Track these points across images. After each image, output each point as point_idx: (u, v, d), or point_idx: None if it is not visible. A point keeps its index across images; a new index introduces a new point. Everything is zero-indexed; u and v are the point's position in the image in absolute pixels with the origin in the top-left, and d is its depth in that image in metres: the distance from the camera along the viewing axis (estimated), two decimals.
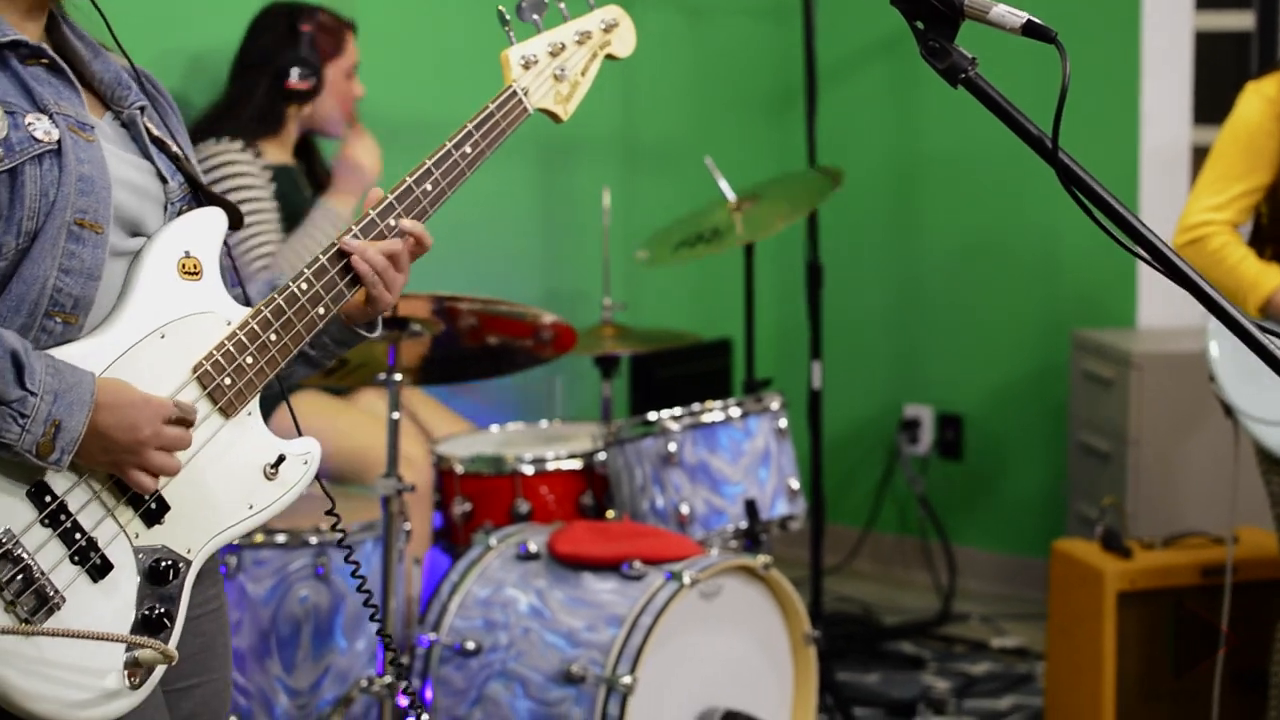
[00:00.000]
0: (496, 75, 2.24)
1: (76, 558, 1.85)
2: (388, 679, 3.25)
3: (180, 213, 2.02)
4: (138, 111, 2.03)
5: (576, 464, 3.95)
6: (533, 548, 3.51)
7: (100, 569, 1.87)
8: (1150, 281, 5.05)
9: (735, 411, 3.85)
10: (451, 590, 3.51)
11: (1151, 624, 3.85)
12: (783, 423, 3.92)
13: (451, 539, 3.93)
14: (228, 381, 1.97)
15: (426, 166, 2.14)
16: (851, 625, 5.07)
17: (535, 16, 2.28)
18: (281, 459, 2.03)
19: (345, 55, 4.06)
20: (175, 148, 2.05)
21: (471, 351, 3.65)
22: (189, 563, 1.95)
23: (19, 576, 1.80)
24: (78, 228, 1.88)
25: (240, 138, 3.93)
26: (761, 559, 3.47)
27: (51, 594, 1.82)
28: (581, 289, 4.91)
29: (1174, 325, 4.99)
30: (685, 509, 3.77)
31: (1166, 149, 5.04)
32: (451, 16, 4.71)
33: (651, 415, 3.83)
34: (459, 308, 3.43)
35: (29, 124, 1.87)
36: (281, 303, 2.02)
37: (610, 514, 3.90)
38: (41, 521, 1.83)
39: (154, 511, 1.92)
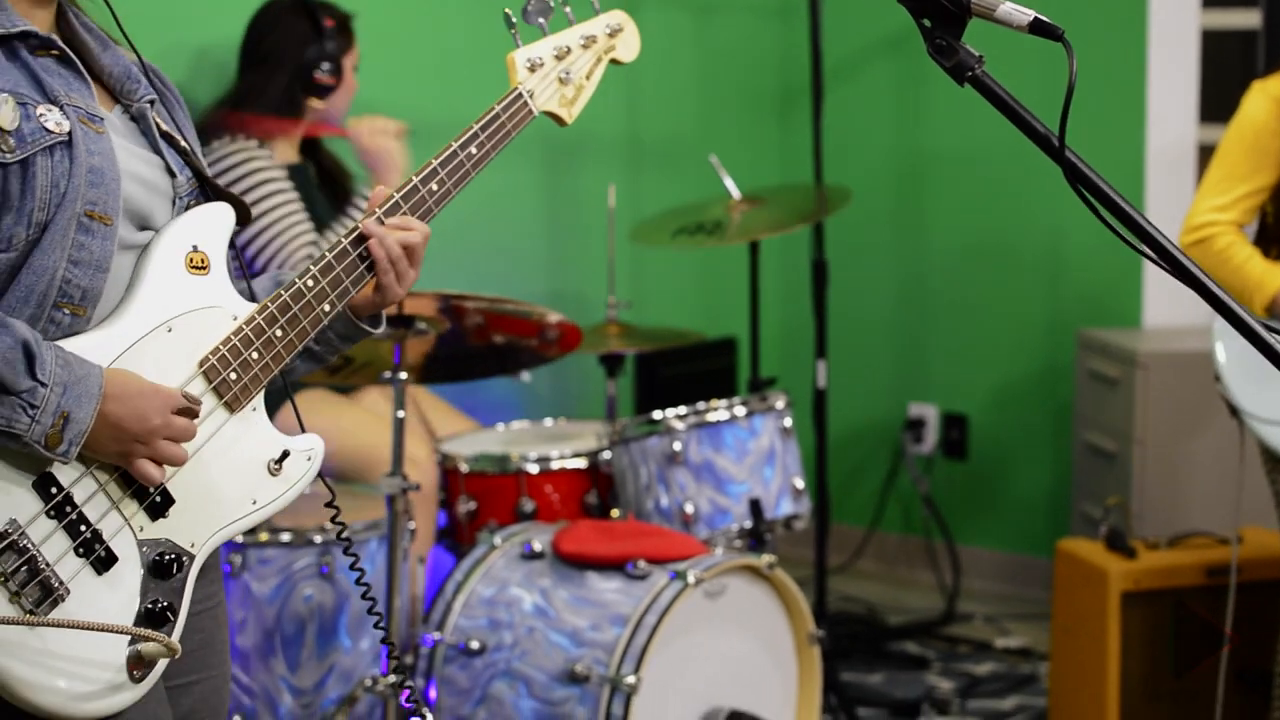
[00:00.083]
0: (499, 76, 2.25)
1: (81, 550, 1.85)
2: (392, 678, 3.25)
3: (188, 207, 2.03)
4: (147, 105, 2.03)
5: (581, 463, 3.95)
6: (537, 547, 3.51)
7: (105, 561, 1.87)
8: (1156, 281, 5.05)
9: (740, 410, 3.85)
10: (456, 589, 3.50)
11: (1156, 624, 3.84)
12: (788, 422, 3.91)
13: (456, 538, 3.93)
14: (233, 376, 1.98)
15: (433, 166, 2.16)
16: (856, 625, 5.07)
17: (541, 20, 2.29)
18: (286, 454, 2.03)
19: (354, 49, 4.09)
20: (184, 142, 2.06)
21: (477, 350, 3.65)
22: (192, 557, 1.95)
23: (24, 567, 1.80)
24: (87, 219, 1.88)
25: (254, 136, 3.94)
26: (766, 558, 3.46)
27: (56, 585, 1.82)
28: (586, 288, 4.91)
29: (1179, 325, 4.98)
30: (690, 508, 3.77)
31: (1172, 148, 5.03)
32: (452, 16, 4.71)
33: (656, 414, 3.83)
34: (465, 306, 3.43)
35: (40, 115, 1.88)
36: (288, 298, 2.03)
37: (615, 513, 3.90)
38: (47, 513, 1.83)
39: (159, 505, 1.92)
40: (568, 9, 2.33)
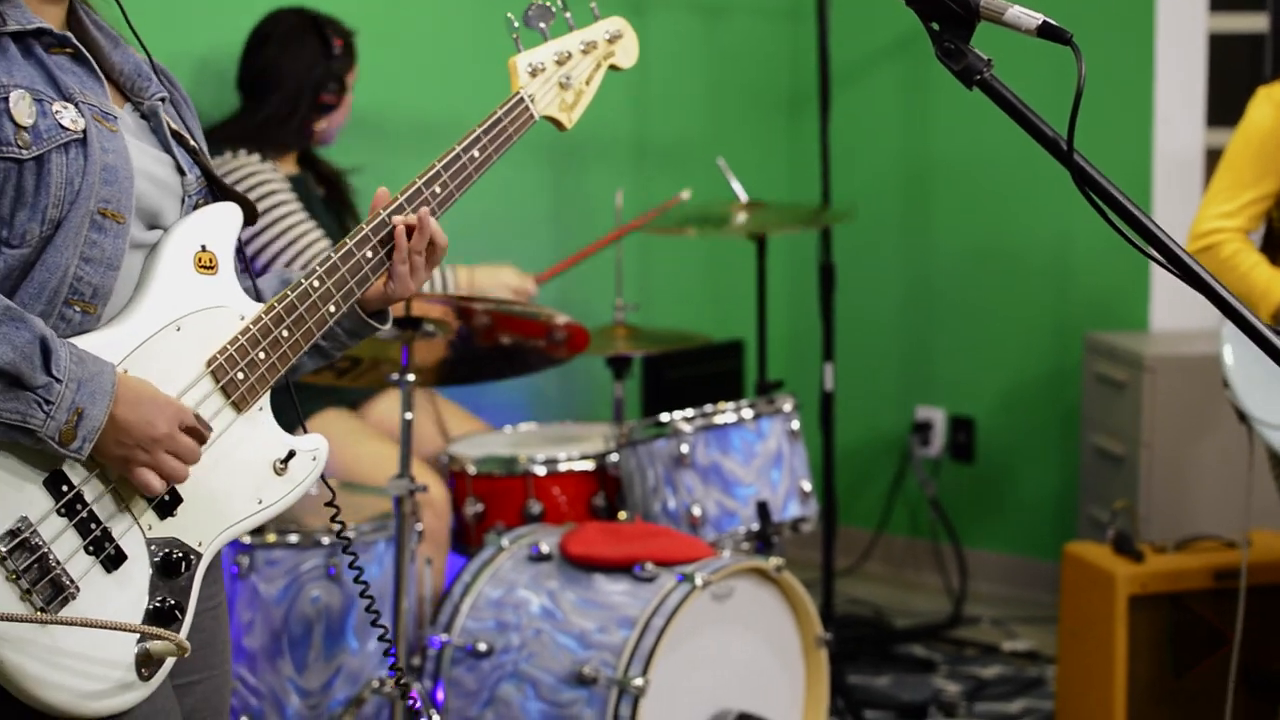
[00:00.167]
0: (500, 79, 2.27)
1: (91, 548, 1.86)
2: (393, 682, 3.25)
3: (196, 206, 2.04)
4: (159, 103, 2.04)
5: (589, 465, 3.95)
6: (545, 549, 3.51)
7: (114, 559, 1.87)
8: (1163, 284, 5.05)
9: (747, 413, 3.85)
10: (463, 591, 3.51)
11: (1163, 628, 3.84)
12: (795, 424, 3.92)
13: (464, 539, 3.93)
14: (240, 376, 1.98)
15: (436, 169, 2.18)
16: (863, 628, 5.07)
17: (542, 25, 2.31)
18: (291, 455, 2.04)
19: (355, 66, 4.08)
20: (193, 141, 2.07)
21: (485, 352, 3.65)
22: (200, 555, 1.96)
23: (35, 565, 1.80)
24: (100, 217, 1.89)
25: (257, 150, 3.93)
26: (773, 561, 3.46)
27: (67, 584, 1.83)
28: (594, 290, 4.91)
29: (1187, 328, 4.98)
30: (697, 510, 3.77)
31: (1180, 151, 5.03)
32: (455, 20, 4.72)
33: (664, 416, 3.83)
34: (472, 308, 3.44)
35: (56, 112, 1.89)
36: (294, 299, 2.04)
37: (622, 515, 3.90)
38: (58, 511, 1.84)
39: (167, 504, 1.93)
40: (568, 14, 2.35)
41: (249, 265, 2.10)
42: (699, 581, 3.31)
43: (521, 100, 2.27)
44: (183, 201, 2.02)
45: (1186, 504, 4.62)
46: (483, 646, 3.41)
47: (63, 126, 1.88)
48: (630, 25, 2.43)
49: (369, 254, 2.11)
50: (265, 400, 2.03)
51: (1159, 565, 3.85)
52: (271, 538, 3.44)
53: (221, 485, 1.98)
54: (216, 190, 2.08)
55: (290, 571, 3.46)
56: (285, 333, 2.02)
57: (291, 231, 3.84)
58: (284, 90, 3.96)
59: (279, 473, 2.03)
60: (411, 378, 3.23)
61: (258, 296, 2.07)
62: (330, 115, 4.03)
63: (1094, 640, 3.87)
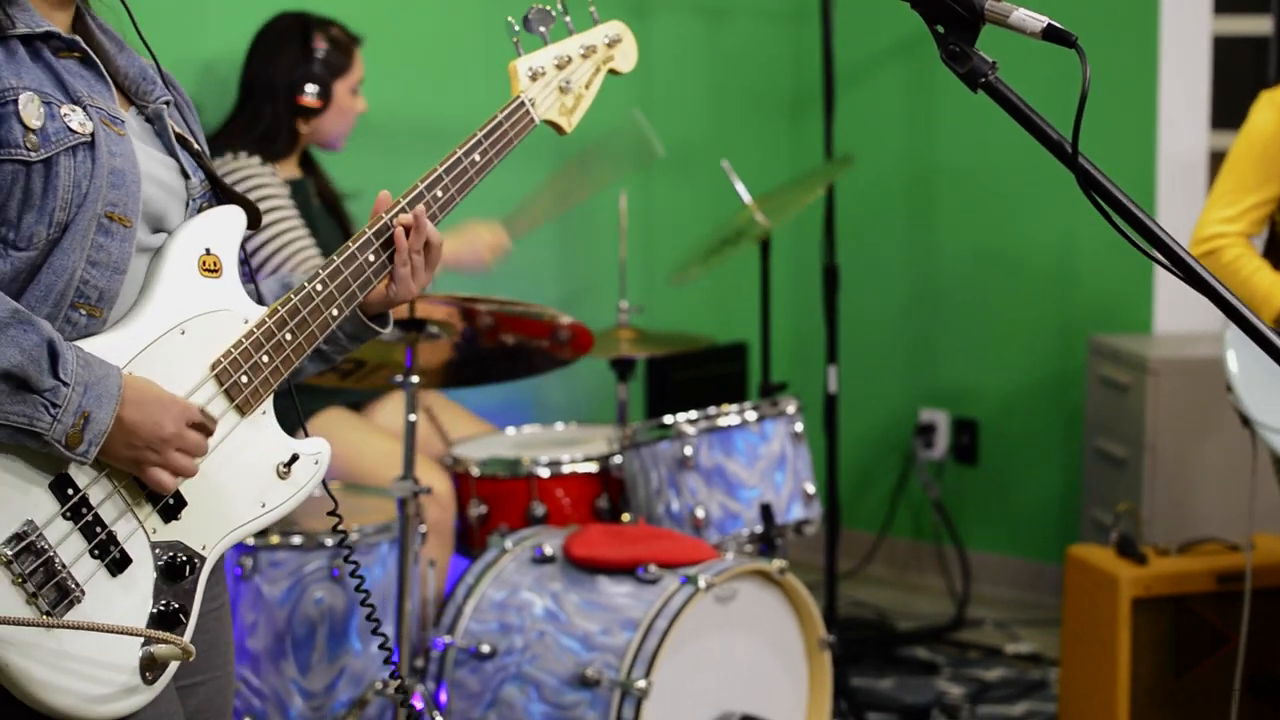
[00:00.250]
0: (500, 83, 2.27)
1: (97, 551, 1.86)
2: (393, 685, 3.25)
3: (200, 210, 2.04)
4: (164, 107, 2.05)
5: (592, 467, 3.95)
6: (548, 551, 3.51)
7: (119, 563, 1.87)
8: (1167, 287, 5.04)
9: (751, 415, 3.85)
10: (467, 593, 3.51)
11: (1166, 630, 3.84)
12: (798, 427, 3.92)
13: (467, 541, 3.93)
14: (244, 379, 1.99)
15: (438, 173, 2.19)
16: (866, 630, 5.07)
17: (542, 28, 2.32)
18: (295, 458, 2.05)
19: (353, 72, 4.06)
20: (196, 145, 2.07)
21: (489, 353, 3.65)
22: (204, 559, 1.96)
23: (42, 569, 1.80)
24: (107, 220, 1.89)
25: (257, 153, 3.94)
26: (777, 563, 3.46)
27: (73, 587, 1.83)
28: (597, 292, 4.91)
29: (1190, 331, 4.98)
30: (701, 513, 3.77)
31: (1184, 154, 5.03)
32: (456, 25, 4.72)
33: (667, 418, 3.83)
34: (476, 309, 3.44)
35: (64, 115, 1.89)
36: (297, 302, 2.04)
37: (626, 517, 3.90)
38: (63, 514, 1.84)
39: (171, 507, 1.93)
40: (568, 18, 2.36)
41: (251, 269, 2.11)
42: (702, 584, 3.31)
43: (522, 104, 2.28)
44: (187, 205, 2.03)
45: (1190, 507, 4.62)
46: (486, 648, 3.41)
47: (71, 129, 1.88)
48: (630, 29, 2.44)
49: (371, 257, 2.11)
50: (268, 404, 2.03)
51: (1162, 568, 3.85)
52: (275, 539, 3.45)
53: (226, 488, 1.98)
54: (220, 194, 2.08)
55: (294, 573, 3.46)
56: (289, 336, 2.03)
57: (282, 237, 3.84)
58: (261, 93, 3.98)
59: (282, 476, 2.04)
60: (416, 379, 3.23)
61: (259, 300, 2.07)
62: (315, 119, 4.01)
63: (1097, 643, 3.86)
